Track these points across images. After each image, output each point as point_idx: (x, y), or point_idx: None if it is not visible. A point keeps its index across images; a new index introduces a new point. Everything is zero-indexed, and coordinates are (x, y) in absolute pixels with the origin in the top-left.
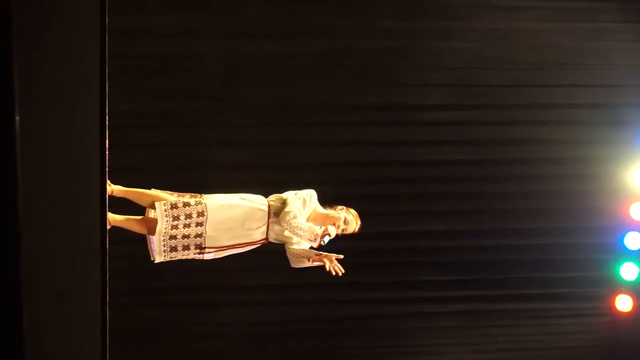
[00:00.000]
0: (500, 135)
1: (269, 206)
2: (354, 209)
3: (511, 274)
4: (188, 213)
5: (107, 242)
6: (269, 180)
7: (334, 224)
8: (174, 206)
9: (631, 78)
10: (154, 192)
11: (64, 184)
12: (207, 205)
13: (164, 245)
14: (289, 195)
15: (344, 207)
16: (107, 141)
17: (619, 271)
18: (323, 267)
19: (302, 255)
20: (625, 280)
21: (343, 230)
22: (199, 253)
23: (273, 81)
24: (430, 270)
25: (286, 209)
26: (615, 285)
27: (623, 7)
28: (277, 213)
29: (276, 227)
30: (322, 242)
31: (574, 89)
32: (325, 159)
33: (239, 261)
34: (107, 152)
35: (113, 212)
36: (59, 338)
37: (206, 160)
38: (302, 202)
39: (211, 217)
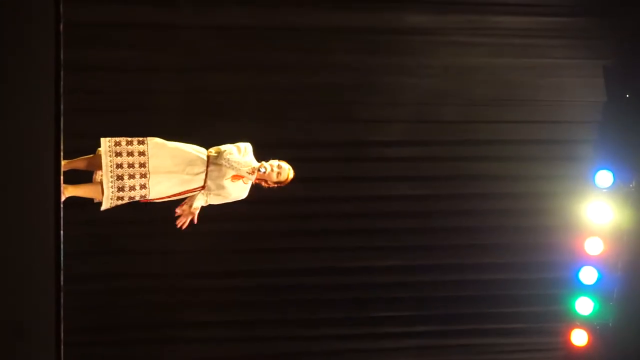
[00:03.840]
0: (455, 171)
1: (208, 156)
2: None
3: (466, 309)
4: (130, 151)
5: (62, 277)
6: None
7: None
8: (117, 143)
9: (585, 114)
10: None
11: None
12: (149, 145)
13: (111, 181)
14: (226, 145)
15: (277, 160)
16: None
17: (574, 306)
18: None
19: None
20: (580, 315)
21: (278, 174)
22: (143, 198)
23: (228, 117)
24: (385, 305)
25: (222, 148)
26: (571, 320)
27: (577, 43)
28: (215, 163)
29: (214, 174)
30: (259, 171)
31: (528, 125)
32: (281, 193)
33: (198, 296)
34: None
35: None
36: None
37: None
38: (237, 149)
39: (153, 157)
